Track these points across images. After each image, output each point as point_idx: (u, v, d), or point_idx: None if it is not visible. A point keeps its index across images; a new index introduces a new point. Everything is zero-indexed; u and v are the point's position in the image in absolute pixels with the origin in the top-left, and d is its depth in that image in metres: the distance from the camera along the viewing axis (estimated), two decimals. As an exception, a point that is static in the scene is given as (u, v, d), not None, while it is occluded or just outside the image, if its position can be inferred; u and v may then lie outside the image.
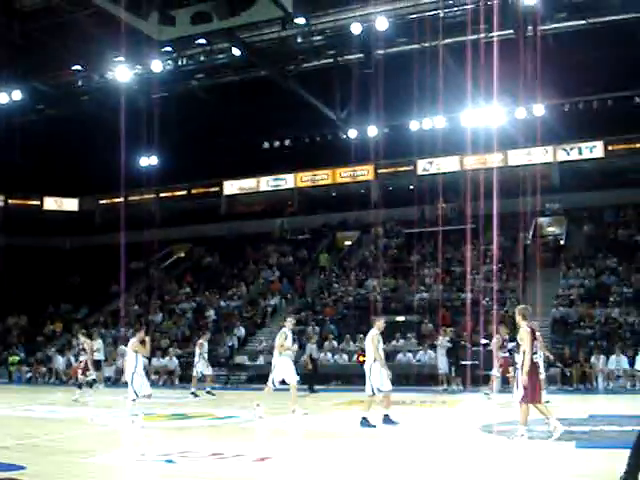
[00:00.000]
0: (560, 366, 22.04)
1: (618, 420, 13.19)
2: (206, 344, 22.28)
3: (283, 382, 15.16)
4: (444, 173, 36.72)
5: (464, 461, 9.78)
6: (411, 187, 37.98)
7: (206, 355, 21.97)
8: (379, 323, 13.62)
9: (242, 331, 29.89)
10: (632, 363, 21.76)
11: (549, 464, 9.49)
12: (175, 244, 41.40)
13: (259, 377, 27.47)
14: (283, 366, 14.98)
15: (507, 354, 17.32)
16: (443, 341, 22.49)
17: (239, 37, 27.34)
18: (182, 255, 41.18)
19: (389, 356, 25.33)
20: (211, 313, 31.86)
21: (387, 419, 12.99)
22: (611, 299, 26.54)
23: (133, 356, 13.94)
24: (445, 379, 22.36)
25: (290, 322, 15.69)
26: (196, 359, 21.85)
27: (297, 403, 15.00)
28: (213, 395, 20.97)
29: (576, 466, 9.27)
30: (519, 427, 10.84)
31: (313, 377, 23.13)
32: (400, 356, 25.00)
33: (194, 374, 21.74)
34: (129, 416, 13.67)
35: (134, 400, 13.75)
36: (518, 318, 11.15)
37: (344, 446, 11.19)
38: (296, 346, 16.45)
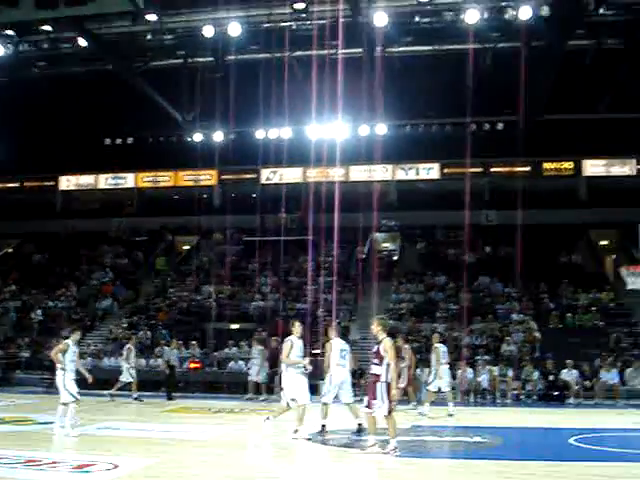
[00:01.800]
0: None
1: (439, 431, 13.75)
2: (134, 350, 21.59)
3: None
4: (287, 183, 37.03)
5: (294, 470, 9.82)
6: (254, 195, 38.04)
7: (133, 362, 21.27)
8: (296, 328, 13.14)
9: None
10: (454, 376, 22.74)
11: (368, 474, 9.69)
12: (2, 239, 39.13)
13: (84, 381, 26.49)
14: (292, 383, 12.93)
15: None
16: (256, 350, 22.43)
17: (86, 27, 26.31)
18: (9, 251, 38.98)
19: (221, 364, 25.28)
20: (37, 313, 30.32)
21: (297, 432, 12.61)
22: (438, 314, 27.80)
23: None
24: (264, 388, 21.91)
25: (298, 328, 13.27)
26: (125, 365, 21.09)
27: (303, 424, 12.82)
28: (141, 401, 20.42)
29: (395, 476, 9.55)
30: (369, 437, 11.13)
31: (171, 384, 22.07)
32: (232, 364, 24.83)
33: (125, 379, 20.96)
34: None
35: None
36: (377, 329, 11.21)
37: (181, 453, 10.95)
38: (307, 360, 13.26)
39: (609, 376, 22.52)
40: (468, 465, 10.58)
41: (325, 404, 13.14)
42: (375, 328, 11.28)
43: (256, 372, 21.94)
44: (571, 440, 12.81)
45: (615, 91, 30.61)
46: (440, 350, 17.86)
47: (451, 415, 16.76)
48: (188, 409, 18.50)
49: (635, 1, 25.69)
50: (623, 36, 27.76)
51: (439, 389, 17.61)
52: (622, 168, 35.15)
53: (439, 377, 17.57)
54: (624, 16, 26.40)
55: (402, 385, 15.31)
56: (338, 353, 13.09)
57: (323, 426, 13.10)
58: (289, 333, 13.28)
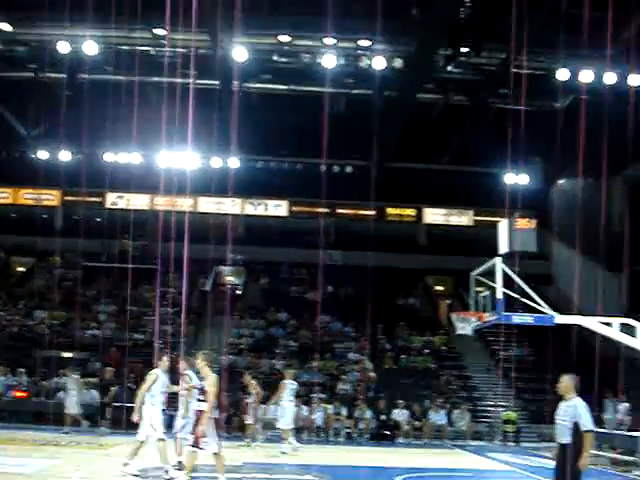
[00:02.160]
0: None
1: (270, 469, 13.71)
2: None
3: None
4: (134, 210, 36.15)
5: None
6: (98, 219, 36.84)
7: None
8: (163, 362, 12.37)
9: None
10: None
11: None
12: None
13: None
14: (149, 416, 11.91)
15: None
16: (70, 380, 21.65)
17: None
18: None
19: (49, 393, 24.04)
20: None
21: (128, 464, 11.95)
22: (277, 350, 27.91)
23: None
24: (72, 420, 20.99)
25: (166, 362, 12.47)
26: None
27: (134, 458, 12.07)
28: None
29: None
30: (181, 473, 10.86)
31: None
32: (61, 394, 23.62)
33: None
34: None
35: None
36: (201, 364, 10.97)
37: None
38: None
39: (437, 417, 23.45)
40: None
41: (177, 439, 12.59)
42: (199, 363, 11.01)
43: (72, 403, 21.06)
44: (397, 479, 13.16)
45: (458, 145, 32.39)
46: (289, 387, 17.95)
47: (284, 453, 16.78)
48: (12, 440, 17.44)
49: (481, 62, 27.44)
50: (469, 94, 29.51)
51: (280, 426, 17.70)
52: (460, 218, 37.07)
53: (283, 413, 17.66)
54: (471, 75, 28.12)
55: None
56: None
57: (180, 462, 12.26)
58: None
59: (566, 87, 27.58)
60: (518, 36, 22.72)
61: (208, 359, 11.26)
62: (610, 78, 26.07)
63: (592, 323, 15.31)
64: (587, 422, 8.50)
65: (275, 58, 27.12)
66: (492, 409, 25.68)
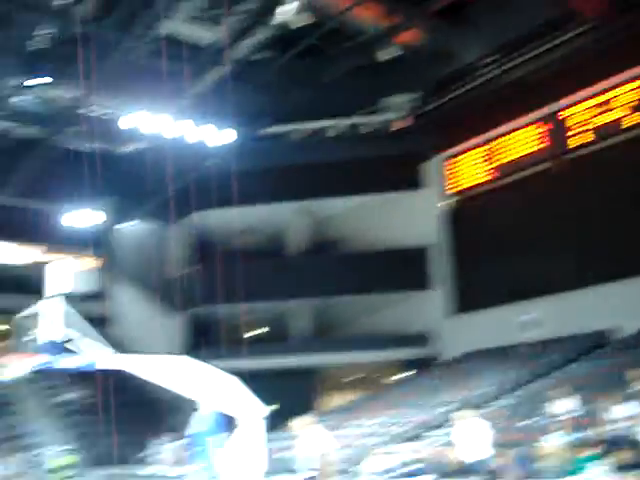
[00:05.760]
0: None
1: None
2: None
3: None
4: None
5: None
6: None
7: None
8: None
9: None
10: None
11: None
12: None
13: None
14: None
15: None
16: None
17: None
18: None
19: None
20: None
21: None
22: None
23: None
24: None
25: None
26: None
27: None
28: None
29: None
30: None
31: None
32: None
33: None
34: None
35: None
36: None
37: None
38: None
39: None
40: None
41: None
42: None
43: None
44: None
45: (25, 179, 31.05)
46: None
47: None
48: None
49: (55, 97, 26.75)
50: (41, 127, 28.66)
51: None
52: (17, 256, 34.91)
53: None
54: (44, 108, 27.22)
55: None
56: None
57: None
58: None
59: (134, 133, 28.28)
60: (96, 75, 22.78)
61: None
62: (180, 128, 27.40)
63: (134, 364, 15.40)
64: None
65: None
66: (50, 454, 24.59)
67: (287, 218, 32.41)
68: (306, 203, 31.71)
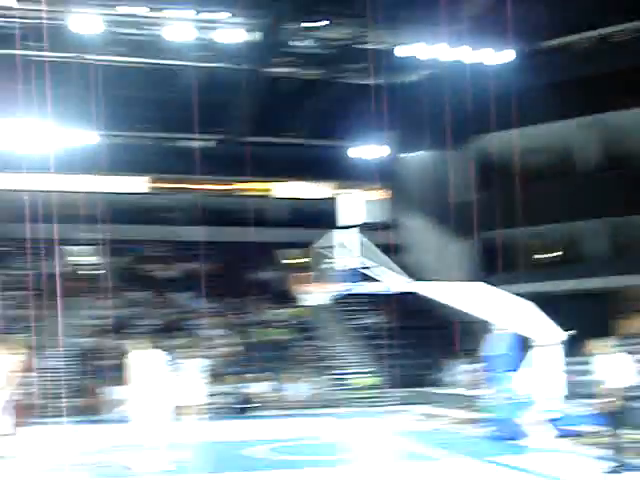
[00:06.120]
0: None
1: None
2: None
3: None
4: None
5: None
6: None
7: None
8: None
9: None
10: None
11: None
12: None
13: None
14: None
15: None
16: None
17: None
18: None
19: None
20: None
21: None
22: (134, 330, 27.39)
23: None
24: None
25: None
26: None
27: None
28: None
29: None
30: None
31: None
32: None
33: None
34: None
35: None
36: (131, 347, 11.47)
37: None
38: None
39: (296, 387, 23.87)
40: None
41: None
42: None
43: None
44: (250, 451, 13.33)
45: (313, 119, 32.72)
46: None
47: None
48: None
49: (335, 36, 27.78)
50: (322, 67, 29.86)
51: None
52: (312, 191, 37.46)
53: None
54: (324, 49, 28.42)
55: None
56: None
57: None
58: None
59: (412, 63, 28.42)
60: (371, 11, 23.25)
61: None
62: (457, 54, 27.10)
63: (432, 290, 15.92)
64: None
65: (124, 30, 26.36)
66: (349, 376, 26.37)
67: (574, 134, 30.73)
68: (594, 117, 29.77)
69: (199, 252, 33.14)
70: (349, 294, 17.81)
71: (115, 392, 20.23)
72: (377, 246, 16.43)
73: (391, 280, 15.91)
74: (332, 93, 31.62)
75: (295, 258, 36.39)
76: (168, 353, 24.60)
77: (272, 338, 27.85)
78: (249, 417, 22.19)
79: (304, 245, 33.48)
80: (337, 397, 25.17)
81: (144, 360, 11.55)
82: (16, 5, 24.39)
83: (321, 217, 32.20)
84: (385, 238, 25.30)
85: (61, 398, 20.83)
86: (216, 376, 24.13)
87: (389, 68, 29.20)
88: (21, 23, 25.08)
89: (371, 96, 24.43)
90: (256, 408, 23.28)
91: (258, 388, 23.68)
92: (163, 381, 12.92)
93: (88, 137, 31.60)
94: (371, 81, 27.77)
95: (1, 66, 26.09)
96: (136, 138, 34.66)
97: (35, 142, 30.41)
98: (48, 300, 28.30)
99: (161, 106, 30.46)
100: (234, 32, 26.38)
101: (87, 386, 23.05)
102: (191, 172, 35.71)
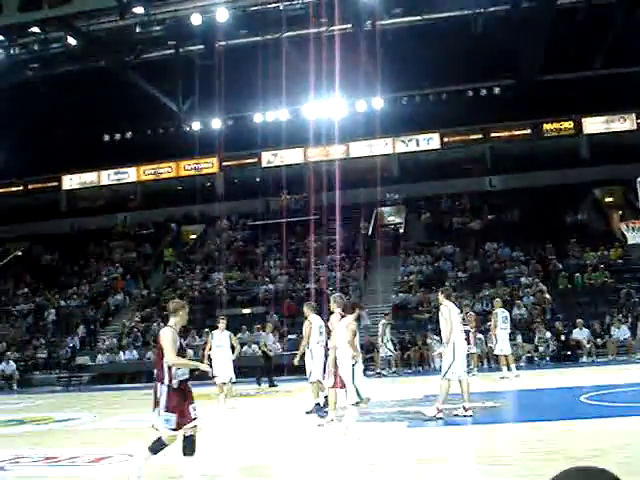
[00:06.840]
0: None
1: (450, 399, 13.80)
2: None
3: None
4: (288, 165, 37.07)
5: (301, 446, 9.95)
6: (256, 179, 38.13)
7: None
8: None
9: (83, 331, 29.03)
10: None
11: (380, 445, 9.80)
12: (11, 242, 39.34)
13: (101, 377, 26.84)
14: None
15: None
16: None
17: (75, 25, 26.23)
18: (19, 254, 39.17)
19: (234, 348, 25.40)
20: (51, 313, 30.63)
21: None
22: (447, 284, 27.77)
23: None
24: None
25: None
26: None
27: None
28: None
29: (408, 445, 9.67)
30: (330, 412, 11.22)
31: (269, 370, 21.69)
32: (245, 348, 24.92)
33: None
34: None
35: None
36: (441, 297, 11.57)
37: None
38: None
39: (620, 332, 22.60)
40: (479, 430, 10.72)
41: (313, 383, 12.87)
42: (440, 297, 11.60)
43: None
44: (583, 398, 12.90)
45: (609, 46, 30.35)
46: (500, 315, 18.51)
47: (504, 378, 17.44)
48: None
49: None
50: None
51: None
52: (622, 123, 34.94)
53: (500, 341, 18.31)
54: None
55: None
56: (317, 330, 12.98)
57: (317, 404, 12.72)
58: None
59: None
60: None
61: (448, 293, 11.88)
62: None
63: None
64: None
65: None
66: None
67: None
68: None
69: (502, 200, 32.75)
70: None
71: (435, 345, 20.73)
72: None
73: None
74: (624, 16, 29.02)
75: (611, 196, 34.39)
76: (481, 304, 24.85)
77: (591, 282, 26.52)
78: (570, 365, 21.47)
79: (618, 182, 31.73)
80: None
81: (452, 313, 11.59)
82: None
83: (634, 150, 30.08)
84: None
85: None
86: (532, 324, 23.79)
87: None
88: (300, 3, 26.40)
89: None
90: (577, 355, 22.48)
91: (577, 335, 22.81)
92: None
93: (376, 103, 32.37)
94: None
95: (287, 48, 27.66)
96: (421, 96, 34.75)
97: (330, 115, 31.92)
98: (362, 261, 29.85)
99: (441, 60, 30.18)
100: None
101: (409, 340, 23.95)
102: (483, 121, 35.37)
